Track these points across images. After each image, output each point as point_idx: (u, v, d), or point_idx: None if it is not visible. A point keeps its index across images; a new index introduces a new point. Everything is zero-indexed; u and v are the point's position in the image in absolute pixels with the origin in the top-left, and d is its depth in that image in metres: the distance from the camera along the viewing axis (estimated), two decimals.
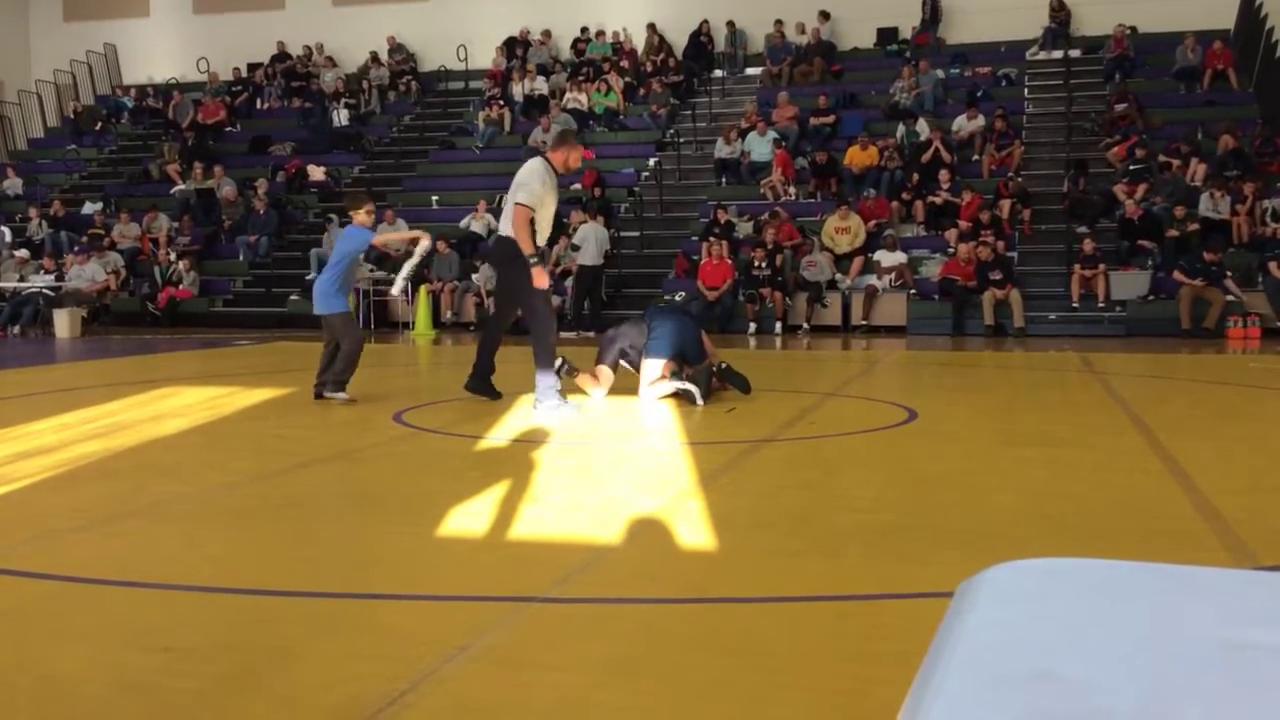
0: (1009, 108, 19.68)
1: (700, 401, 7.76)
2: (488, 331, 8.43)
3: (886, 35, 22.93)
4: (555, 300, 17.10)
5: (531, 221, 7.50)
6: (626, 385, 8.34)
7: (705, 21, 23.36)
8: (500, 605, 3.36)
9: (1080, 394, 9.26)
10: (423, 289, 17.24)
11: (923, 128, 19.17)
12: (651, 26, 23.64)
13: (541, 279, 7.51)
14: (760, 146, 19.61)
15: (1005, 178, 17.82)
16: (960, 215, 17.14)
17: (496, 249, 7.81)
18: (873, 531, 4.23)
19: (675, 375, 7.97)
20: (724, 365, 8.19)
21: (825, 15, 22.60)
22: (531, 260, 7.43)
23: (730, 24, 23.22)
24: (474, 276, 17.84)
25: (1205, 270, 15.10)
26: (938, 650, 0.95)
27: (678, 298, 16.21)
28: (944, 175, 17.92)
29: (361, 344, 8.23)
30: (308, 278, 18.96)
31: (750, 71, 23.31)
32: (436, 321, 17.46)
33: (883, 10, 22.73)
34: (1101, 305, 15.76)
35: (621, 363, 8.34)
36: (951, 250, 16.53)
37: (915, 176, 18.16)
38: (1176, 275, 15.25)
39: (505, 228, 7.64)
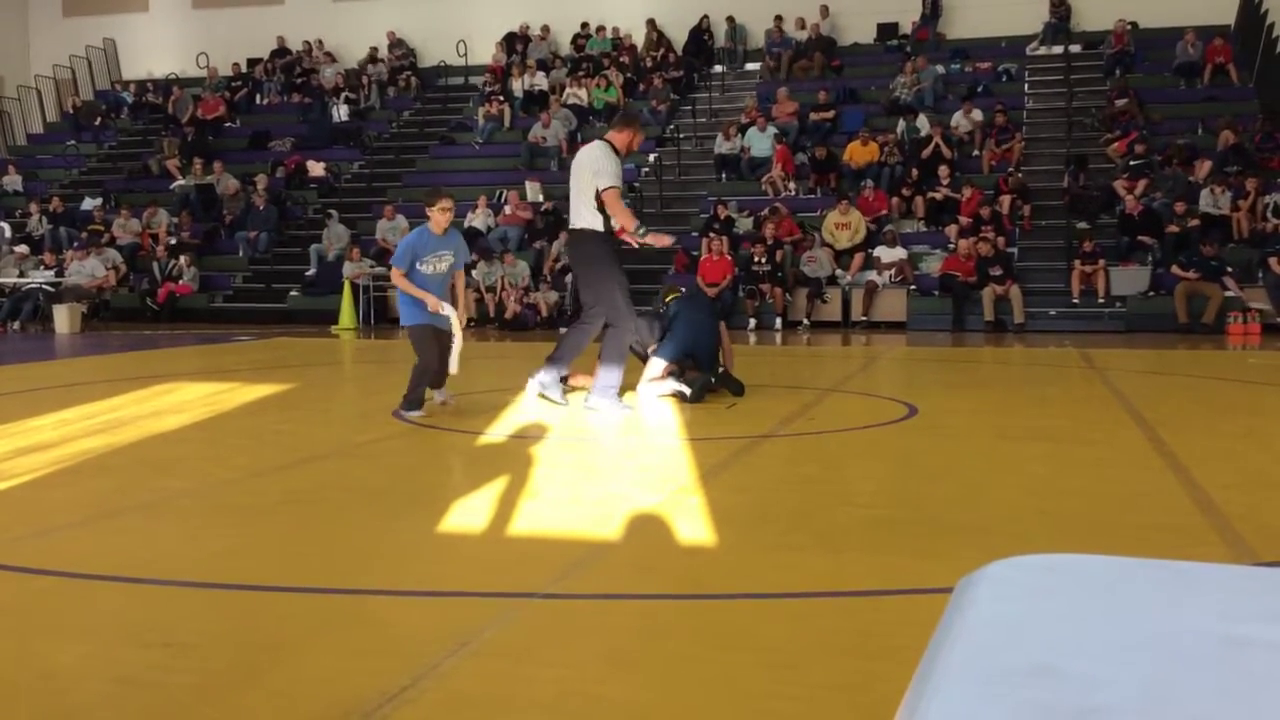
0: (1009, 103, 19.67)
1: (688, 395, 7.77)
2: (578, 330, 7.71)
3: (887, 30, 22.92)
4: (553, 296, 17.13)
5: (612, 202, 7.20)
6: (629, 380, 8.33)
7: (705, 17, 23.34)
8: (500, 600, 3.36)
9: (1080, 389, 9.25)
10: None
11: (923, 123, 19.16)
12: (651, 22, 23.62)
13: (662, 238, 7.49)
14: (760, 142, 19.60)
15: (1005, 173, 17.81)
16: (960, 211, 17.14)
17: (576, 245, 7.42)
18: (873, 527, 4.24)
19: (675, 376, 7.95)
20: (721, 372, 8.17)
21: (825, 10, 22.59)
22: (640, 231, 7.21)
23: (730, 19, 23.20)
24: (473, 273, 17.82)
25: (1202, 264, 15.11)
26: (938, 646, 0.95)
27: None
28: (944, 171, 17.91)
29: (428, 363, 7.23)
30: (307, 273, 19.00)
31: (750, 67, 23.30)
32: None
33: (883, 5, 22.70)
34: (1102, 301, 15.76)
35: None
36: (952, 246, 16.52)
37: (915, 172, 18.14)
38: (1174, 270, 15.26)
39: (581, 220, 7.29)
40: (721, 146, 19.80)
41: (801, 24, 22.63)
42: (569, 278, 16.93)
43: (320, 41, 25.34)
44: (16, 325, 17.43)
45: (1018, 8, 21.81)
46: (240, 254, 20.10)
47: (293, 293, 18.86)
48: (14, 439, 6.39)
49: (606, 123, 21.68)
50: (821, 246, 17.01)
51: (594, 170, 7.22)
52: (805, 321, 16.44)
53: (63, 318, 16.75)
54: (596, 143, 7.52)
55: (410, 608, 3.36)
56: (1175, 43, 20.16)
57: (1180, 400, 8.51)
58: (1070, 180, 17.44)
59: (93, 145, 24.74)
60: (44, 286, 17.86)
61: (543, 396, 7.58)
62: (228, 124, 24.25)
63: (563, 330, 12.65)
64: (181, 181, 21.78)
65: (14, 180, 23.17)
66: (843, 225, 17.23)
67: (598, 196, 7.20)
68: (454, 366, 7.27)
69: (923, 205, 17.81)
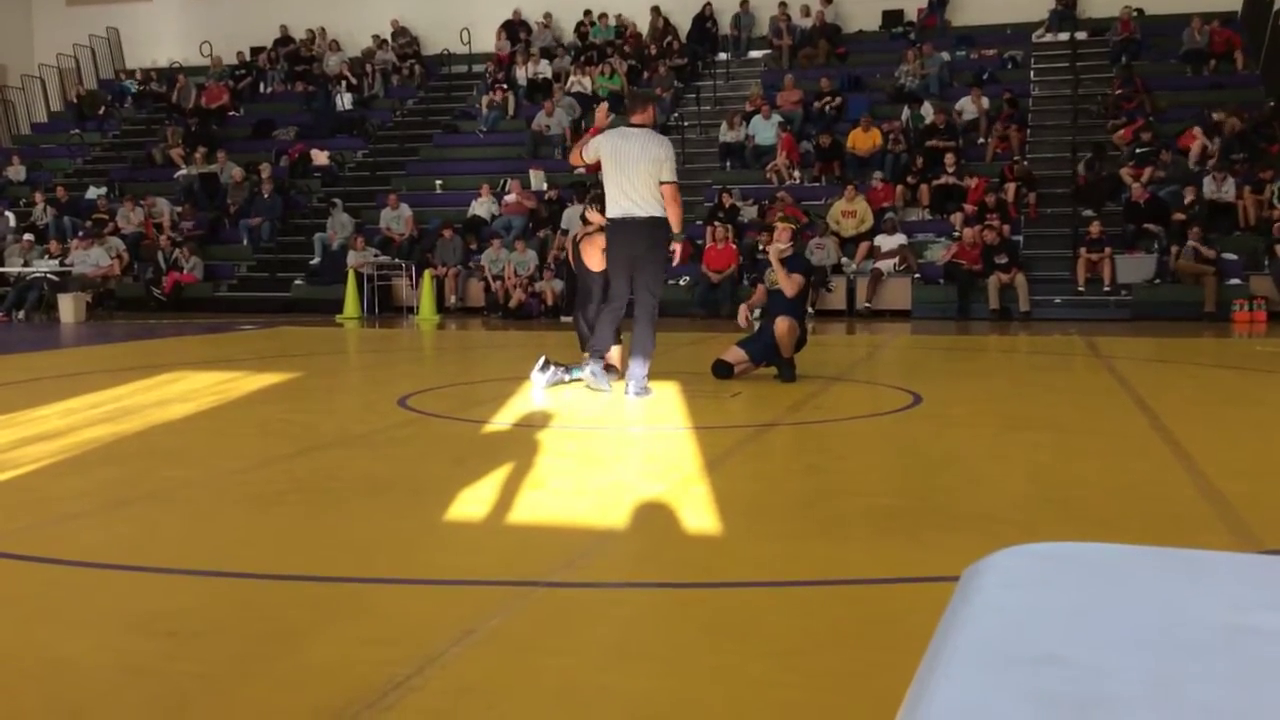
0: (1015, 90, 19.61)
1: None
2: (609, 310, 7.84)
3: (892, 18, 22.83)
4: (557, 285, 17.10)
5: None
6: None
7: (709, 4, 23.26)
8: (505, 589, 3.36)
9: (1085, 378, 9.24)
10: (426, 274, 17.24)
11: (928, 111, 19.10)
12: (656, 9, 23.54)
13: (683, 252, 7.87)
14: (765, 130, 19.54)
15: (1010, 161, 17.75)
16: (966, 199, 17.09)
17: (638, 229, 7.47)
18: (878, 516, 4.23)
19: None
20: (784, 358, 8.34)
21: None
22: (680, 236, 7.68)
23: (744, 1, 23.09)
24: (481, 259, 17.81)
25: (1192, 251, 15.12)
26: (943, 635, 0.95)
27: (681, 282, 16.24)
28: (949, 159, 17.85)
29: None
30: (311, 263, 19.01)
31: (754, 55, 23.22)
32: (440, 306, 17.46)
33: None
34: (1107, 289, 15.71)
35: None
36: (957, 234, 16.48)
37: (920, 160, 18.08)
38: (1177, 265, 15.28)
39: (650, 209, 7.43)
40: (725, 135, 19.74)
41: (806, 11, 22.55)
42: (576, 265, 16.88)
43: (323, 30, 25.30)
44: (21, 314, 17.45)
45: None
46: (244, 243, 20.09)
47: (297, 282, 18.86)
48: (20, 428, 6.40)
49: (612, 111, 21.75)
50: (828, 234, 16.97)
51: (659, 160, 7.47)
52: (810, 310, 16.39)
53: (67, 307, 16.77)
54: (648, 131, 7.67)
55: (416, 596, 3.36)
56: (1181, 30, 20.08)
57: (1186, 388, 8.50)
58: (1086, 170, 17.31)
59: (96, 134, 24.72)
60: (49, 276, 17.88)
61: (591, 387, 7.69)
62: (231, 113, 24.22)
63: (566, 320, 12.66)
64: (185, 170, 21.77)
65: (18, 170, 23.16)
66: (849, 213, 17.18)
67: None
68: None
69: (927, 193, 17.76)
